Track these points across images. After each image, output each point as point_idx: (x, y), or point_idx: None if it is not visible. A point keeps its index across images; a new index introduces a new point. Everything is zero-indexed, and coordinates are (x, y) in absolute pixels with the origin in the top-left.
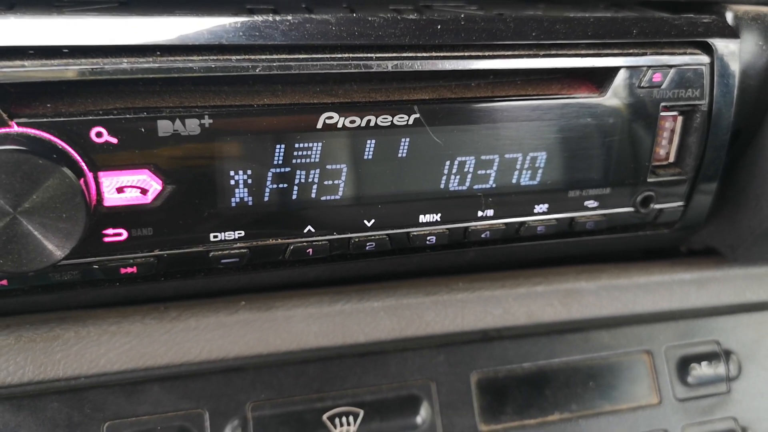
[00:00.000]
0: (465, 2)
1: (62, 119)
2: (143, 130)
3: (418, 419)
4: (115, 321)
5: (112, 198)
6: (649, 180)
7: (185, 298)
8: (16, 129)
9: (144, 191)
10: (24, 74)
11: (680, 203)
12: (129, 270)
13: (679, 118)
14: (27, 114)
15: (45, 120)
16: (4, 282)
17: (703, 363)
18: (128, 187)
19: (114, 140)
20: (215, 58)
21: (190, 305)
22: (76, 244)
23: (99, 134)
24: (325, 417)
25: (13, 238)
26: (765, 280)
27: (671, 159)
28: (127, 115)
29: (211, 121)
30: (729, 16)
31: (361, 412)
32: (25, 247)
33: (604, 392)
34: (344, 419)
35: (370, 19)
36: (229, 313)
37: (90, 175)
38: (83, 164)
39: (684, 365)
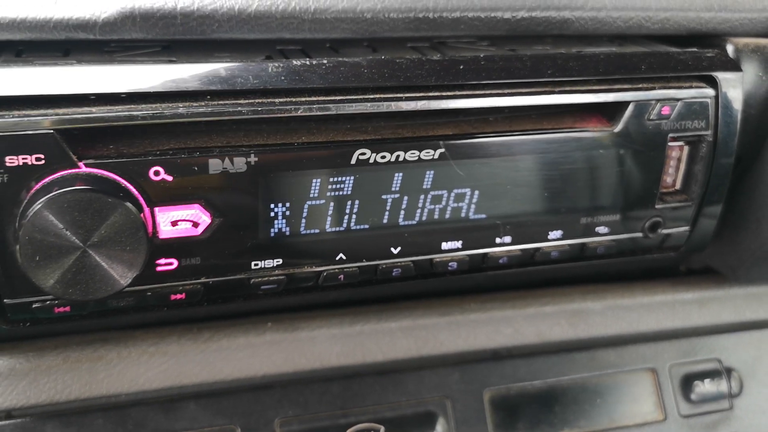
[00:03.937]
0: (476, 38)
1: (124, 160)
2: (196, 168)
3: None
4: (153, 342)
5: (166, 231)
6: (657, 206)
7: (214, 317)
8: (84, 169)
9: (195, 224)
10: (92, 119)
11: (686, 228)
12: (178, 296)
13: (686, 148)
14: (93, 155)
15: (109, 161)
16: (67, 308)
17: (706, 380)
18: (181, 220)
19: (170, 178)
20: (260, 101)
21: (221, 326)
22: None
23: (157, 173)
24: None
25: (82, 269)
26: (764, 300)
27: (677, 186)
28: (182, 155)
29: (256, 158)
30: (730, 49)
31: (382, 428)
32: (92, 277)
33: (611, 409)
34: None
35: (398, 61)
36: (258, 334)
37: (147, 210)
38: (142, 200)
39: (687, 383)
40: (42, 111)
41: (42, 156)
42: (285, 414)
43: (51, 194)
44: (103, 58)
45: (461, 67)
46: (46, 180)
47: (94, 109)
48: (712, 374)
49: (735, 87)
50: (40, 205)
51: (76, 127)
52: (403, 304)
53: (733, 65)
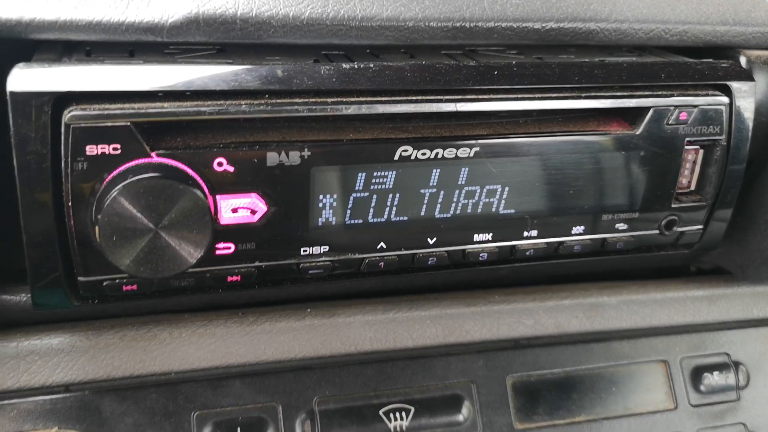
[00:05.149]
0: (505, 47)
1: (191, 151)
2: (255, 160)
3: (461, 417)
4: (202, 324)
5: (227, 217)
6: (673, 206)
7: (258, 303)
8: (156, 159)
9: (253, 212)
10: (165, 113)
11: (699, 227)
12: (234, 278)
13: (701, 151)
14: (163, 146)
15: (178, 151)
16: (134, 287)
17: (715, 373)
18: (241, 208)
19: (231, 169)
20: (314, 100)
21: (263, 311)
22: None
23: (220, 164)
24: (381, 412)
25: (154, 250)
26: None
27: (692, 187)
28: (243, 148)
29: (309, 153)
30: (743, 60)
31: (412, 409)
32: (162, 257)
33: (625, 397)
34: (398, 414)
35: (437, 66)
36: (298, 319)
37: (210, 198)
38: (206, 188)
39: (697, 374)
40: (119, 105)
41: (118, 146)
42: (323, 394)
43: (127, 180)
44: (167, 58)
45: (495, 72)
46: (122, 168)
47: (166, 105)
48: (721, 367)
49: (748, 96)
50: (117, 191)
51: (150, 121)
52: (432, 295)
53: (746, 75)
